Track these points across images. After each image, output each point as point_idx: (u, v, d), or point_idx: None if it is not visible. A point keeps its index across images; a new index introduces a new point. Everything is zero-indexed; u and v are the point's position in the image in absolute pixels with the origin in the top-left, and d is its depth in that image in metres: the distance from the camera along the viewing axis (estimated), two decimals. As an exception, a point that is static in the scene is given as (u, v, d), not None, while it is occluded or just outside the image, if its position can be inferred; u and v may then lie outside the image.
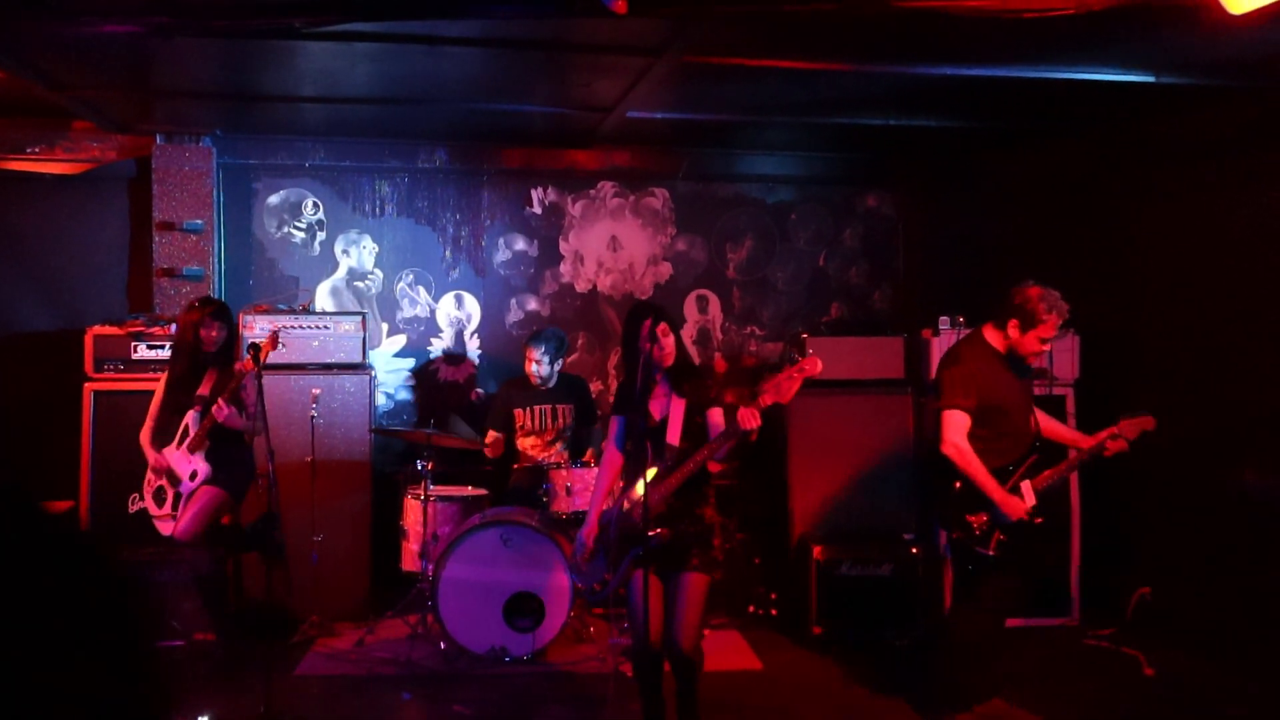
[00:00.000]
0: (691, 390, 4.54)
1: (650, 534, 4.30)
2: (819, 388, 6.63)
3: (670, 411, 4.53)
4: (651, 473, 4.41)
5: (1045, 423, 5.09)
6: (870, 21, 4.72)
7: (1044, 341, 4.79)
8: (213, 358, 5.66)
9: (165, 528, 5.60)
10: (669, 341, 4.55)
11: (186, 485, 5.54)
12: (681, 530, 4.42)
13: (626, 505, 4.55)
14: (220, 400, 5.40)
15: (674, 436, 4.47)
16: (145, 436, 5.73)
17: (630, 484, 4.57)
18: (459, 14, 4.57)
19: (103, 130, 6.98)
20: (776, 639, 6.38)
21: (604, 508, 4.75)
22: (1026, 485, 4.77)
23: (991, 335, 4.90)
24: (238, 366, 5.43)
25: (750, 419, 4.17)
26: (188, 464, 5.55)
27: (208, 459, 5.57)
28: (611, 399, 5.41)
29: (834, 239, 8.14)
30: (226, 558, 5.79)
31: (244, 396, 5.59)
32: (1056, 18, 4.20)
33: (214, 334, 5.62)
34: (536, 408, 6.68)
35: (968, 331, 5.24)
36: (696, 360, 6.16)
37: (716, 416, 4.56)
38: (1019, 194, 7.64)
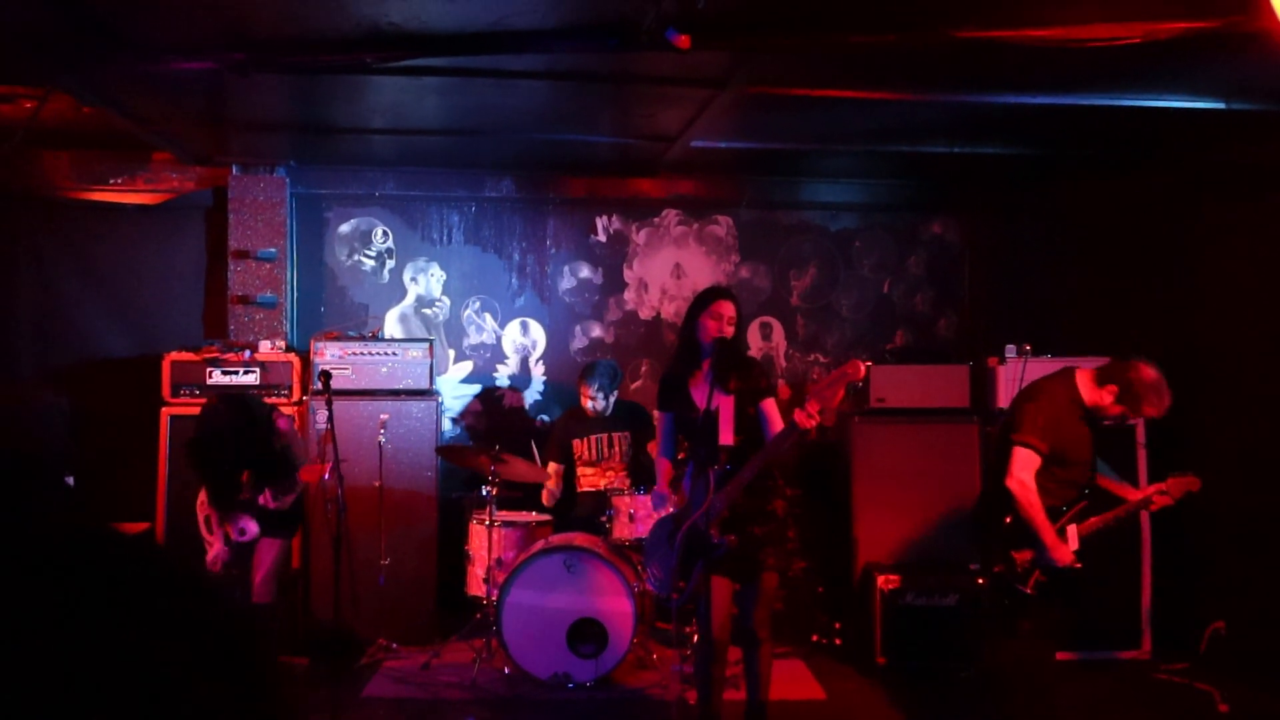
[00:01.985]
0: (739, 383, 4.49)
1: (716, 541, 4.31)
2: (883, 415, 6.63)
3: (720, 408, 4.47)
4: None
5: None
6: (933, 51, 4.73)
7: (1128, 419, 4.80)
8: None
9: (210, 551, 5.70)
10: (731, 330, 4.51)
11: (237, 538, 5.70)
12: (751, 533, 4.42)
13: (691, 512, 4.53)
14: (268, 492, 5.60)
15: (726, 436, 4.42)
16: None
17: (694, 489, 4.55)
18: (525, 49, 4.65)
19: (181, 162, 7.18)
20: (840, 668, 6.33)
21: (668, 511, 4.78)
22: (1072, 529, 4.71)
23: (1084, 385, 4.75)
24: (281, 431, 5.68)
25: (807, 419, 4.11)
26: (238, 521, 5.69)
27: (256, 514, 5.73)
28: None
29: (898, 266, 8.10)
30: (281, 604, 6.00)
31: (295, 450, 5.78)
32: (1123, 46, 4.18)
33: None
34: (592, 437, 6.75)
35: (1057, 365, 5.04)
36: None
37: (771, 408, 4.52)
38: (1086, 222, 7.55)
